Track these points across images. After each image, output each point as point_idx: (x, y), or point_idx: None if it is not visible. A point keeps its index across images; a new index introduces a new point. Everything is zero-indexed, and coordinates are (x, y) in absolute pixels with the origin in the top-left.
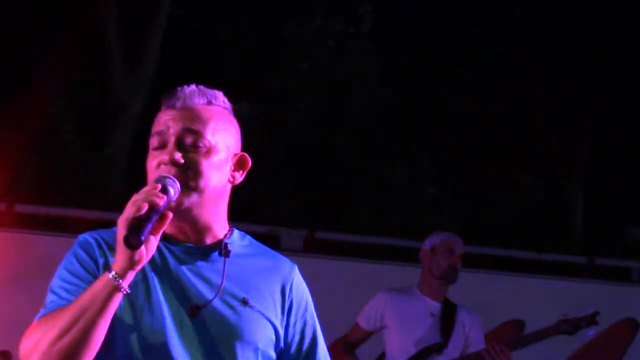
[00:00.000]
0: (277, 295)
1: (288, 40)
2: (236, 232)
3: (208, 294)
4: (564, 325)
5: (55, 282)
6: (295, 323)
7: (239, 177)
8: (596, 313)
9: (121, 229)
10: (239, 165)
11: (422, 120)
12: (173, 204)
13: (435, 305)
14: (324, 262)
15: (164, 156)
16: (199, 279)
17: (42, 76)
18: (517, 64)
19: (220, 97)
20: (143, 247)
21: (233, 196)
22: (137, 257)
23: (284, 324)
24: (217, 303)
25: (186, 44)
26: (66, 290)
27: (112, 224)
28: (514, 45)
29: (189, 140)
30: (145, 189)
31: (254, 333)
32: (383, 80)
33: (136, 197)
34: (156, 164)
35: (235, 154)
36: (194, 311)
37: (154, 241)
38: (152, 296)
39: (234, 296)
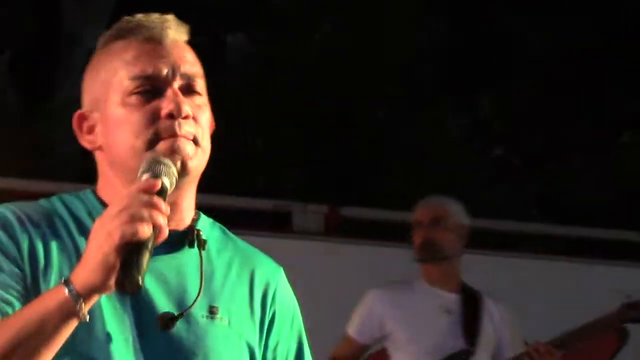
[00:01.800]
0: (256, 306)
1: None
2: (204, 217)
3: (169, 303)
4: (632, 312)
5: None
6: (276, 346)
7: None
8: None
9: (107, 249)
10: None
11: (483, 57)
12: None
13: (449, 298)
14: (352, 247)
15: (170, 105)
16: (160, 282)
17: None
18: None
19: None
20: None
21: (226, 161)
22: (113, 281)
23: (263, 345)
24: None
25: None
26: None
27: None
28: None
29: (189, 86)
30: (141, 187)
31: (224, 356)
32: (427, 3)
33: (132, 204)
34: (149, 115)
35: None
36: (167, 322)
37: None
38: (100, 312)
39: (200, 304)
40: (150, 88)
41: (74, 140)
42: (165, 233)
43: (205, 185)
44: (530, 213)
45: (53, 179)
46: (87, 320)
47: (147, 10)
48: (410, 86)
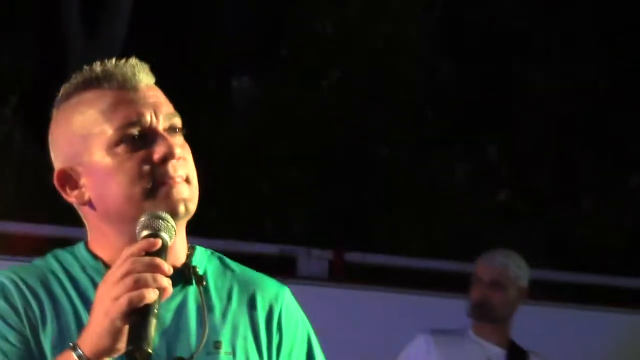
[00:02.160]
0: (261, 332)
1: None
2: (199, 249)
3: (181, 341)
4: None
5: None
6: None
7: None
8: None
9: (114, 315)
10: None
11: (490, 100)
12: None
13: (496, 352)
14: (356, 293)
15: (162, 149)
16: (163, 326)
17: None
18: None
19: None
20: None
21: (229, 207)
22: (122, 345)
23: None
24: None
25: None
26: None
27: (68, 241)
28: None
29: (172, 127)
30: (141, 247)
31: None
32: (436, 46)
33: (135, 268)
34: (141, 161)
35: None
36: None
37: None
38: None
39: (206, 341)
40: (137, 135)
41: None
42: (169, 292)
43: (210, 229)
44: (537, 259)
45: (61, 223)
46: None
47: (151, 55)
48: (417, 131)
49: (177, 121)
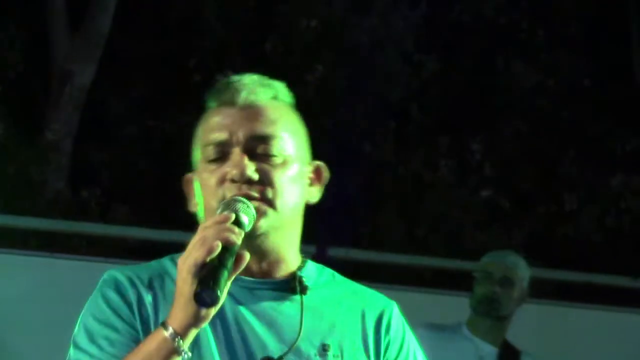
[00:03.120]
0: (370, 339)
1: None
2: (311, 263)
3: (278, 344)
4: None
5: (82, 336)
6: None
7: (316, 193)
8: None
9: (185, 277)
10: (316, 177)
11: (474, 97)
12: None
13: (488, 350)
14: None
15: (232, 170)
16: (267, 324)
17: None
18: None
19: (283, 89)
20: None
21: None
22: (204, 312)
23: None
24: (295, 354)
25: None
26: (99, 347)
27: (52, 234)
28: None
29: (260, 148)
30: (215, 219)
31: None
32: (420, 42)
33: (204, 234)
34: (218, 180)
35: (310, 164)
36: None
37: (226, 290)
38: (202, 349)
39: (311, 342)
40: (221, 155)
41: (63, 176)
42: (244, 257)
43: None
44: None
45: (43, 215)
46: (189, 356)
47: (136, 50)
48: (401, 128)
49: (267, 145)
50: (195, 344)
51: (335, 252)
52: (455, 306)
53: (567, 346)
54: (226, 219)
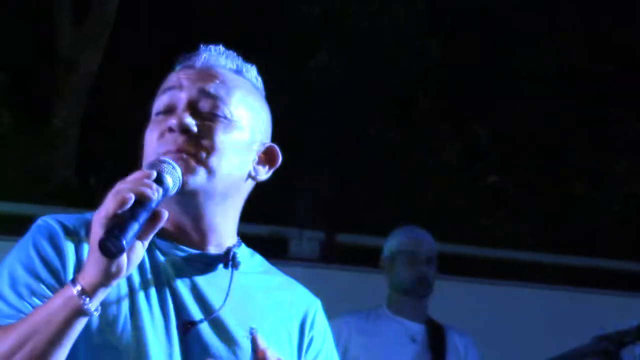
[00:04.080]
0: (294, 331)
1: None
2: (244, 246)
3: (204, 313)
4: (604, 343)
5: (4, 281)
6: None
7: (264, 173)
8: None
9: (96, 229)
10: (266, 158)
11: (480, 82)
12: (173, 191)
13: (416, 328)
14: (348, 274)
15: (172, 120)
16: (197, 295)
17: None
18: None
19: (252, 71)
20: (124, 255)
21: None
22: (114, 269)
23: None
24: (216, 325)
25: None
26: (19, 295)
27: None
28: None
29: (205, 105)
30: (134, 176)
31: None
32: (424, 28)
33: (120, 187)
34: (159, 133)
35: (263, 144)
36: (187, 327)
37: (140, 249)
38: (134, 305)
39: (239, 323)
40: (168, 107)
41: (70, 164)
42: (162, 215)
43: None
44: (525, 241)
45: (51, 203)
46: (95, 314)
47: (141, 36)
48: (406, 113)
49: (213, 103)
50: (131, 304)
51: (343, 238)
52: (461, 291)
53: (574, 331)
54: (146, 176)
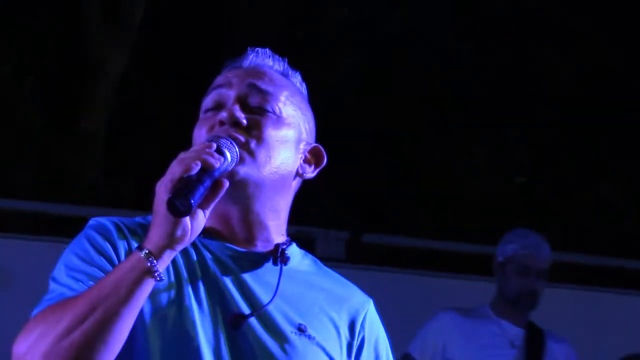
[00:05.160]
0: (344, 329)
1: None
2: (295, 246)
3: (253, 308)
4: None
5: (61, 271)
6: None
7: (310, 172)
8: None
9: (161, 193)
10: (312, 157)
11: (509, 84)
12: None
13: (515, 332)
14: (373, 274)
15: (222, 114)
16: (245, 291)
17: None
18: None
19: (297, 77)
20: (189, 218)
21: None
22: (179, 232)
23: None
24: (264, 320)
25: None
26: (76, 279)
27: (86, 221)
28: None
29: (255, 100)
30: (196, 146)
31: None
32: (455, 32)
33: (184, 155)
34: (208, 127)
35: (309, 143)
36: (237, 320)
37: (201, 217)
38: (184, 299)
39: (288, 319)
40: (217, 103)
41: (98, 166)
42: (224, 184)
43: None
44: (556, 242)
45: (78, 204)
46: (163, 279)
47: (169, 39)
48: (436, 115)
49: (263, 99)
50: (178, 292)
51: (368, 238)
52: (489, 292)
53: (602, 331)
54: (208, 146)
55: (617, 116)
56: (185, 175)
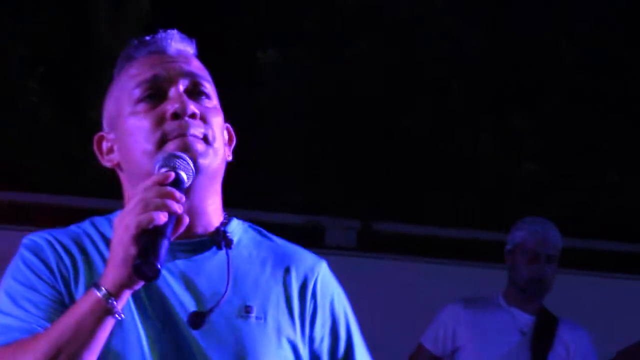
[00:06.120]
0: (294, 300)
1: None
2: (235, 221)
3: (199, 304)
4: None
5: (5, 301)
6: (322, 339)
7: (229, 152)
8: None
9: (124, 239)
10: (229, 138)
11: (517, 71)
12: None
13: (526, 319)
14: (384, 263)
15: (170, 106)
16: (186, 285)
17: None
18: None
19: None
20: None
21: (257, 178)
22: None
23: (307, 339)
24: (222, 311)
25: None
26: (25, 310)
27: (94, 212)
28: None
29: (196, 87)
30: (155, 179)
31: (262, 353)
32: (462, 18)
33: (146, 195)
34: (156, 119)
35: (226, 125)
36: (197, 319)
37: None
38: (135, 314)
39: (230, 303)
40: (156, 92)
41: None
42: (184, 221)
43: (238, 200)
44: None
45: (87, 195)
46: (122, 317)
47: (179, 26)
48: (444, 102)
49: (204, 84)
50: (131, 310)
51: (379, 226)
52: (499, 279)
53: (610, 316)
54: (166, 178)
55: (627, 104)
56: (150, 227)
